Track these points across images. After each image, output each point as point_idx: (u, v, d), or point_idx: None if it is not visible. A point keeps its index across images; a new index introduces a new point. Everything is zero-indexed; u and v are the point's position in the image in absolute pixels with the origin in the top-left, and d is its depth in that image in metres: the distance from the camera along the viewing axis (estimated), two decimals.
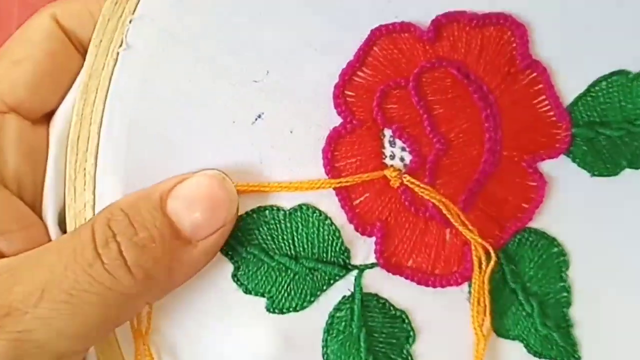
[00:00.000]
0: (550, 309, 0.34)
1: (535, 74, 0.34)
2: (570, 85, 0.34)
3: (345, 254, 0.34)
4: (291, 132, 0.34)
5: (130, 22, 0.33)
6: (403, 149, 0.34)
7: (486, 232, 0.34)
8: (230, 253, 0.33)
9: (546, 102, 0.34)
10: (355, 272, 0.34)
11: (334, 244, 0.34)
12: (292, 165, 0.34)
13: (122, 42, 0.33)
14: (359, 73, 0.33)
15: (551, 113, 0.34)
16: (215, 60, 0.33)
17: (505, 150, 0.34)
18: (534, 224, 0.34)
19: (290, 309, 0.34)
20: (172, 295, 0.33)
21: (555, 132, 0.34)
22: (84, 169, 0.33)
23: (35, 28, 0.33)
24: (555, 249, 0.34)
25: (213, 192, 0.32)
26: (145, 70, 0.33)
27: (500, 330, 0.34)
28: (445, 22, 0.33)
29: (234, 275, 0.33)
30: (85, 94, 0.33)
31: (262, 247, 0.33)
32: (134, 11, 0.33)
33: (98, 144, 0.33)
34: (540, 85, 0.34)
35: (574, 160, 0.34)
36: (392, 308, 0.34)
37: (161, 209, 0.31)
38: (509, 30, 0.34)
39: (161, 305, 0.33)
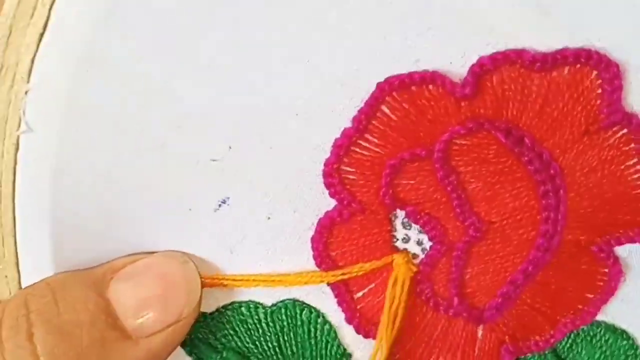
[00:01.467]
0: None
1: (625, 131, 0.23)
2: None
3: (345, 358, 0.27)
4: (269, 218, 0.24)
5: (26, 93, 0.22)
6: (421, 231, 0.25)
7: (531, 329, 0.26)
8: (201, 358, 0.27)
9: (637, 167, 0.23)
10: None
11: (330, 348, 0.26)
12: (271, 257, 0.25)
13: (19, 121, 0.23)
14: (360, 142, 0.23)
15: None
16: (154, 136, 0.23)
17: (569, 232, 0.24)
18: (598, 316, 0.26)
19: None
20: None
21: None
22: (5, 276, 0.25)
23: None
24: (625, 342, 0.26)
25: (169, 278, 0.24)
26: (58, 156, 0.23)
27: None
28: (490, 67, 0.22)
29: None
30: None
31: (242, 352, 0.27)
32: (28, 79, 0.22)
33: (16, 248, 0.25)
34: (632, 146, 0.23)
35: None
36: None
37: (100, 289, 0.23)
38: (593, 70, 0.22)
39: None
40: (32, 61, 0.22)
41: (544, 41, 0.21)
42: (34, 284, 0.24)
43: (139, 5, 0.21)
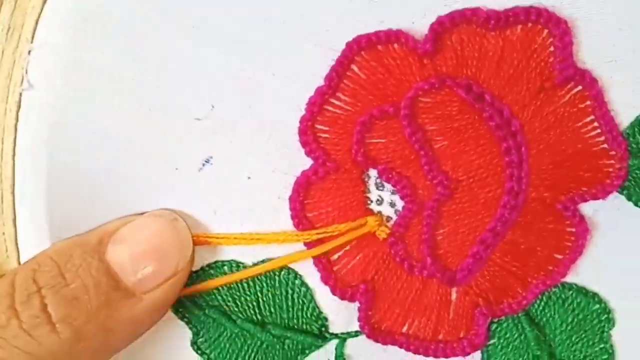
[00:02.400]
0: None
1: (580, 88, 0.24)
2: (628, 102, 0.24)
3: (320, 321, 0.27)
4: (249, 178, 0.26)
5: (29, 53, 0.25)
6: (394, 192, 0.26)
7: (504, 291, 0.27)
8: (187, 316, 0.28)
9: (594, 124, 0.25)
10: (335, 342, 0.28)
11: (306, 309, 0.27)
12: (252, 217, 0.27)
13: (22, 79, 0.25)
14: (333, 101, 0.25)
15: (601, 139, 0.25)
16: (143, 95, 0.25)
17: (533, 190, 0.26)
18: (569, 278, 0.27)
19: None
20: None
21: (605, 164, 0.25)
22: (2, 233, 0.27)
23: None
24: (597, 306, 0.27)
25: (162, 235, 0.25)
26: (56, 113, 0.25)
27: None
28: (449, 25, 0.24)
29: (193, 343, 0.28)
30: None
31: (223, 310, 0.27)
32: (32, 39, 0.25)
33: (13, 204, 0.27)
34: (588, 103, 0.25)
35: (629, 199, 0.25)
36: None
37: (99, 254, 0.25)
38: (545, 29, 0.24)
39: None
40: (36, 22, 0.24)
41: (496, 2, 0.24)
42: (36, 257, 0.25)
43: None
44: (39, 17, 0.24)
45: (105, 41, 0.24)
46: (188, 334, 0.28)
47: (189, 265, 0.26)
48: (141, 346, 0.28)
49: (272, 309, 0.27)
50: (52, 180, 0.26)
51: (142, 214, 0.26)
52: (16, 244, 0.27)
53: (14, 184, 0.26)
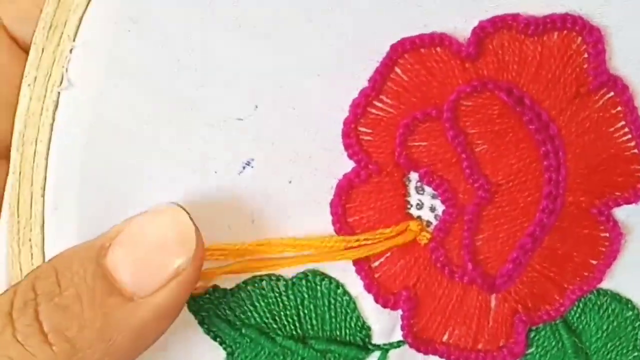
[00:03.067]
0: None
1: (612, 94, 0.26)
2: None
3: (364, 331, 0.27)
4: (290, 182, 0.26)
5: (70, 51, 0.25)
6: (434, 197, 0.26)
7: (542, 297, 0.27)
8: (220, 336, 0.27)
9: (626, 129, 0.26)
10: (378, 354, 0.27)
11: (350, 319, 0.27)
12: (292, 224, 0.26)
13: (62, 78, 0.25)
14: (376, 103, 0.25)
15: (632, 144, 0.26)
16: (184, 94, 0.25)
17: (570, 194, 0.26)
18: (604, 284, 0.27)
19: None
20: None
21: (636, 168, 0.26)
22: (29, 239, 0.26)
23: None
24: (630, 313, 0.27)
25: (161, 234, 0.24)
26: (94, 114, 0.25)
27: None
28: (491, 30, 0.25)
29: None
30: (22, 147, 0.25)
31: (261, 328, 0.27)
32: (75, 37, 0.25)
33: (43, 209, 0.26)
34: (619, 109, 0.26)
35: None
36: None
37: (97, 259, 0.23)
38: (579, 36, 0.25)
39: None
40: (80, 20, 0.24)
41: (534, 9, 0.25)
42: (40, 266, 0.24)
43: None
44: (82, 15, 0.24)
45: (147, 40, 0.24)
46: (220, 355, 0.27)
47: (194, 263, 0.24)
48: None
49: (314, 322, 0.27)
50: (85, 185, 0.25)
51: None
52: (43, 250, 0.26)
53: (44, 187, 0.25)
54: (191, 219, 0.24)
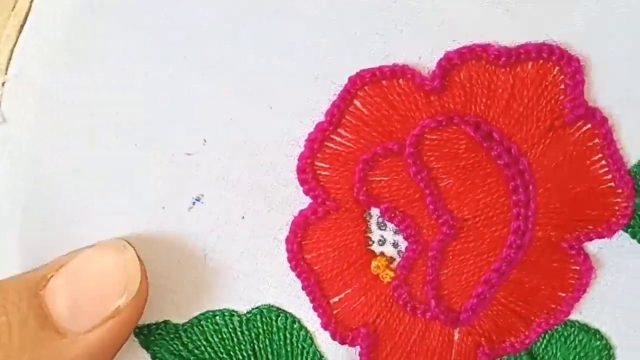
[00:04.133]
0: None
1: (589, 127, 0.24)
2: (636, 140, 0.24)
3: None
4: (243, 217, 0.25)
5: (3, 84, 0.23)
6: (397, 232, 0.25)
7: (507, 330, 0.26)
8: None
9: (602, 163, 0.24)
10: None
11: (307, 354, 0.26)
12: (246, 259, 0.25)
13: None
14: (334, 138, 0.24)
15: (608, 177, 0.24)
16: (128, 129, 0.23)
17: (539, 229, 0.25)
18: (571, 316, 0.26)
19: None
20: None
21: (611, 202, 0.25)
22: None
23: None
24: (598, 343, 0.27)
25: (104, 268, 0.23)
26: (33, 151, 0.23)
27: None
28: (458, 62, 0.23)
29: None
30: None
31: None
32: (6, 70, 0.23)
33: None
34: (596, 141, 0.24)
35: (634, 237, 0.25)
36: None
37: (36, 289, 0.22)
38: (556, 66, 0.23)
39: None
40: (11, 52, 0.22)
41: (507, 38, 0.23)
42: None
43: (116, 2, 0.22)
44: (13, 46, 0.22)
45: (84, 74, 0.23)
46: None
47: (136, 303, 0.23)
48: None
49: (270, 357, 0.26)
50: (27, 220, 0.24)
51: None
52: None
53: None
54: (138, 257, 0.23)
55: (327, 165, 0.24)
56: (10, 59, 0.22)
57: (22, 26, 0.22)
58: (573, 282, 0.26)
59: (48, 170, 0.23)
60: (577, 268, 0.25)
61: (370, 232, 0.25)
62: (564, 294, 0.26)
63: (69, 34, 0.22)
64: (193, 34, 0.22)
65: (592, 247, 0.25)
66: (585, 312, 0.26)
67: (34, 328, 0.22)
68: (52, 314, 0.22)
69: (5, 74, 0.22)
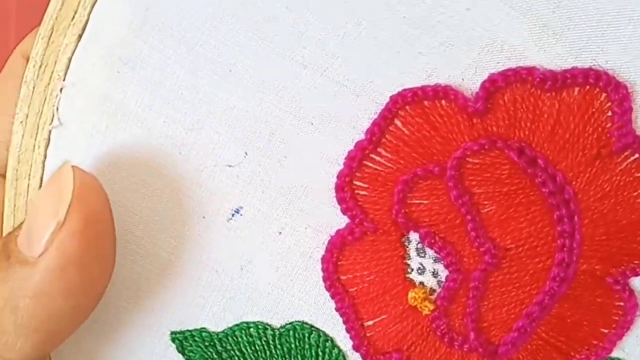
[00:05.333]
0: None
1: (637, 156, 0.23)
2: None
3: None
4: (280, 233, 0.25)
5: (61, 90, 0.24)
6: (436, 260, 0.25)
7: None
8: None
9: None
10: None
11: None
12: (281, 275, 0.25)
13: (53, 116, 0.25)
14: (373, 157, 0.24)
15: None
16: (174, 138, 0.24)
17: (584, 262, 0.24)
18: (613, 353, 0.25)
19: None
20: None
21: None
22: None
23: (6, 73, 0.26)
24: None
25: (44, 192, 0.23)
26: (84, 154, 0.24)
27: None
28: (502, 84, 0.23)
29: None
30: (16, 181, 0.25)
31: None
32: (65, 77, 0.24)
33: None
34: None
35: None
36: None
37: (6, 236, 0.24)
38: (603, 92, 0.23)
39: None
40: (69, 60, 0.24)
41: (553, 61, 0.22)
42: None
43: (171, 14, 0.23)
44: (72, 55, 0.23)
45: (136, 83, 0.24)
46: None
47: (80, 211, 0.22)
48: None
49: None
50: None
51: None
52: None
53: None
54: (83, 172, 0.23)
55: (365, 185, 0.24)
56: (68, 67, 0.23)
57: (80, 35, 0.23)
58: (617, 318, 0.25)
59: (99, 174, 0.24)
60: (622, 304, 0.24)
61: (409, 259, 0.24)
62: (606, 331, 0.25)
63: (123, 44, 0.23)
64: (239, 50, 0.23)
65: (638, 283, 0.24)
66: (628, 350, 0.25)
67: (4, 267, 0.23)
68: (14, 249, 0.23)
69: (64, 80, 0.24)
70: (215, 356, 0.26)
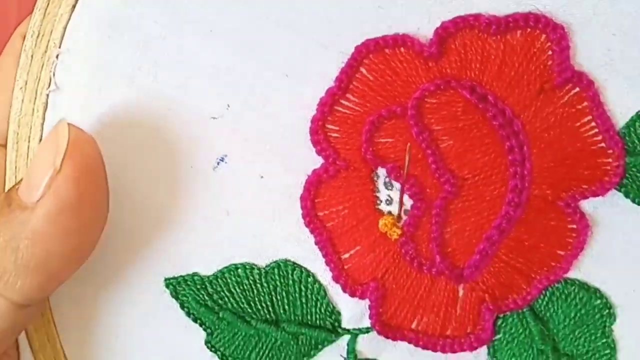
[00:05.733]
0: None
1: (577, 90, 0.26)
2: (624, 102, 0.26)
3: (334, 316, 0.28)
4: (262, 177, 0.27)
5: (57, 57, 0.27)
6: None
7: (509, 287, 0.28)
8: (199, 319, 0.29)
9: (592, 124, 0.26)
10: (347, 337, 0.29)
11: (319, 305, 0.28)
12: (264, 217, 0.28)
13: (50, 82, 0.27)
14: (342, 102, 0.26)
15: (598, 138, 0.26)
16: (162, 95, 0.26)
17: (535, 187, 0.27)
18: (571, 274, 0.28)
19: None
20: None
21: (603, 162, 0.27)
22: None
23: (6, 51, 0.28)
24: (598, 301, 0.28)
25: (43, 145, 0.25)
26: (80, 114, 0.27)
27: None
28: (453, 30, 0.25)
29: (207, 342, 0.29)
30: (17, 144, 0.28)
31: (237, 312, 0.29)
32: (60, 44, 0.26)
33: None
34: (585, 104, 0.26)
35: (627, 196, 0.27)
36: None
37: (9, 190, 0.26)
38: (543, 33, 0.26)
39: None
40: (64, 29, 0.26)
41: (497, 8, 0.25)
42: None
43: None
44: (67, 24, 0.26)
45: (126, 46, 0.26)
46: (200, 335, 0.29)
47: (72, 161, 0.24)
48: (152, 345, 0.29)
49: (286, 307, 0.28)
50: None
51: None
52: None
53: None
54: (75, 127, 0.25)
55: (337, 127, 0.26)
56: (63, 35, 0.26)
57: (74, 6, 0.26)
58: (571, 240, 0.27)
59: (93, 133, 0.27)
60: (574, 226, 0.27)
61: (378, 192, 0.27)
62: (562, 252, 0.27)
63: (112, 12, 0.26)
64: (218, 12, 0.25)
65: (588, 206, 0.27)
66: (584, 270, 0.27)
67: (5, 213, 0.25)
68: (15, 197, 0.25)
69: (59, 47, 0.26)
70: (206, 298, 0.28)
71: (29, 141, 0.27)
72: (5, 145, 0.28)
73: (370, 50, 0.25)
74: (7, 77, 0.27)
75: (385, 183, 0.27)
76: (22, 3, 0.43)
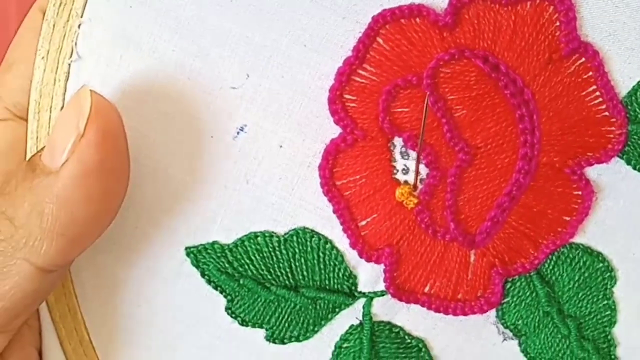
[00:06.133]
0: (590, 330, 0.30)
1: (583, 60, 0.27)
2: (626, 72, 0.27)
3: (351, 280, 0.29)
4: (280, 146, 0.28)
5: (79, 27, 0.27)
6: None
7: (518, 252, 0.29)
8: (220, 286, 0.30)
9: (597, 93, 0.28)
10: (363, 300, 0.30)
11: (337, 270, 0.29)
12: (282, 185, 0.29)
13: (72, 51, 0.27)
14: (360, 72, 0.27)
15: (602, 107, 0.28)
16: (182, 65, 0.27)
17: (544, 155, 0.28)
18: (575, 239, 0.29)
19: (292, 339, 0.30)
20: (158, 333, 0.30)
21: (607, 130, 0.28)
22: None
23: (25, 25, 0.28)
24: (600, 265, 0.29)
25: (65, 111, 0.26)
26: (102, 84, 0.27)
27: (530, 353, 0.30)
28: (466, 1, 0.27)
29: (227, 308, 0.30)
30: (38, 114, 0.28)
31: (257, 279, 0.29)
32: (82, 14, 0.27)
33: None
34: (590, 74, 0.27)
35: (628, 163, 0.28)
36: (407, 337, 0.30)
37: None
38: (551, 5, 0.27)
39: (148, 345, 0.30)
40: None
41: None
42: None
43: None
44: None
45: (146, 15, 0.26)
46: (221, 301, 0.30)
47: (97, 125, 0.25)
48: (173, 313, 0.29)
49: (305, 273, 0.29)
50: None
51: None
52: None
53: None
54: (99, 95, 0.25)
55: (354, 97, 0.27)
56: (85, 4, 0.26)
57: None
58: (576, 206, 0.28)
59: (115, 102, 0.27)
60: (580, 193, 0.28)
61: (395, 161, 0.28)
62: (568, 218, 0.29)
63: None
64: None
65: (592, 173, 0.28)
66: (589, 235, 0.29)
67: (25, 173, 0.25)
68: (39, 163, 0.25)
69: (81, 17, 0.26)
70: (227, 265, 0.29)
71: (50, 111, 0.27)
72: (24, 118, 0.28)
73: (387, 21, 0.26)
74: (26, 50, 0.28)
75: (401, 152, 0.28)
76: (21, 3, 0.43)
